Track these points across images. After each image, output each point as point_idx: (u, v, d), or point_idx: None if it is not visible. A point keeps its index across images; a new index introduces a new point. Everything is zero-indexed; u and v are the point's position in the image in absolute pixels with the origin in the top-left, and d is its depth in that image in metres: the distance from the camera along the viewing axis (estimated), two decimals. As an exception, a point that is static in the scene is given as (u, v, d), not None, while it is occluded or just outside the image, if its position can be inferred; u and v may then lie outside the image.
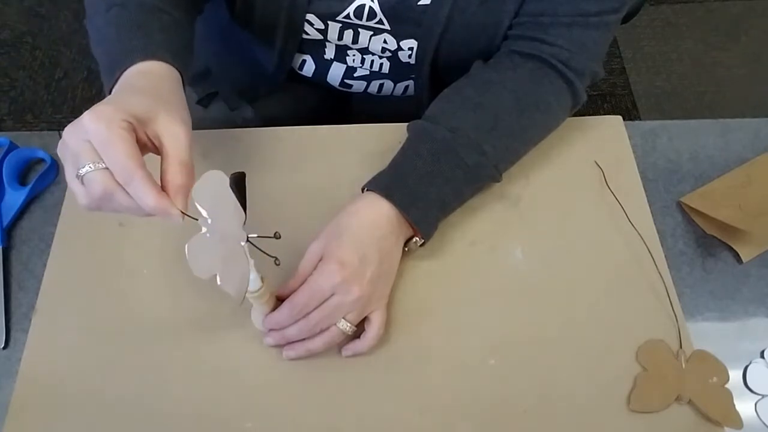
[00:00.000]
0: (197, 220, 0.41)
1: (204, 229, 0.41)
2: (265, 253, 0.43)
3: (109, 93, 0.49)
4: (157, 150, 0.45)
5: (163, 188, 0.42)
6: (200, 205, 0.41)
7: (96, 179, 0.41)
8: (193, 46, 0.59)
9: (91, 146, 0.41)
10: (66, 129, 0.43)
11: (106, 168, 0.41)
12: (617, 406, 0.53)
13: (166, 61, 0.50)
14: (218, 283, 0.41)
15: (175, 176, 0.43)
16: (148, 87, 0.48)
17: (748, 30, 1.78)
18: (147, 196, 0.41)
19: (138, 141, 0.43)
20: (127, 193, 0.41)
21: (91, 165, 0.41)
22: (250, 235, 0.44)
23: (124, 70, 0.49)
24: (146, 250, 0.61)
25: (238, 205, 0.44)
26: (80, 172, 0.41)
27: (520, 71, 0.62)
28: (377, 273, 0.54)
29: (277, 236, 0.43)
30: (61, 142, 0.43)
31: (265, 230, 0.44)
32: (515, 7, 0.62)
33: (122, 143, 0.41)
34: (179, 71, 0.52)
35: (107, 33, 0.52)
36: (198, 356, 0.55)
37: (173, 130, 0.44)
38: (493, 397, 0.54)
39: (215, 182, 0.43)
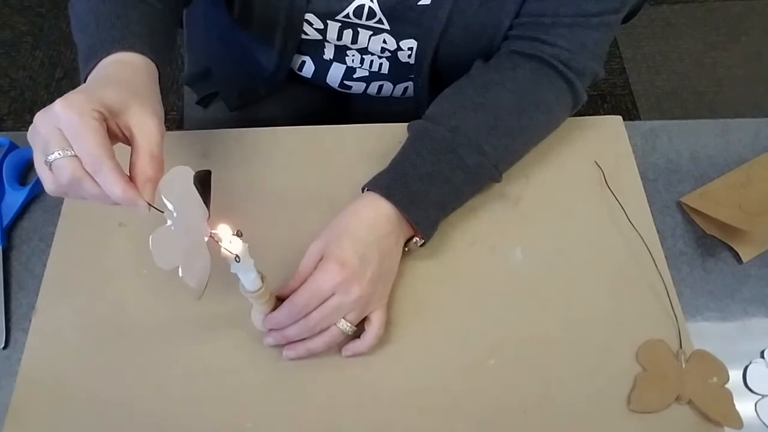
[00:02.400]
0: (163, 212, 0.42)
1: (169, 222, 0.42)
2: (226, 249, 0.44)
3: (84, 81, 0.49)
4: (128, 141, 0.45)
5: (131, 179, 0.43)
6: (166, 198, 0.41)
7: (64, 166, 0.41)
8: (176, 39, 0.59)
9: (61, 134, 0.41)
10: (37, 115, 0.43)
11: (75, 155, 0.41)
12: (617, 406, 0.53)
13: (143, 53, 0.50)
14: (180, 275, 0.41)
15: (144, 168, 0.43)
16: (123, 78, 0.48)
17: (748, 30, 1.78)
18: (114, 186, 0.41)
19: (109, 131, 0.43)
20: (95, 181, 0.42)
21: (59, 152, 0.41)
22: (212, 231, 0.44)
23: (101, 59, 0.49)
24: (146, 250, 0.60)
25: (202, 201, 0.45)
26: (49, 158, 0.42)
27: (520, 71, 0.62)
28: (377, 273, 0.54)
29: (239, 234, 0.44)
30: (31, 127, 0.43)
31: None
32: (516, 8, 0.62)
33: (92, 133, 0.41)
34: (156, 64, 0.51)
35: (87, 21, 0.52)
36: (198, 356, 0.55)
37: (145, 123, 0.44)
38: (493, 397, 0.54)
39: (182, 177, 0.43)
